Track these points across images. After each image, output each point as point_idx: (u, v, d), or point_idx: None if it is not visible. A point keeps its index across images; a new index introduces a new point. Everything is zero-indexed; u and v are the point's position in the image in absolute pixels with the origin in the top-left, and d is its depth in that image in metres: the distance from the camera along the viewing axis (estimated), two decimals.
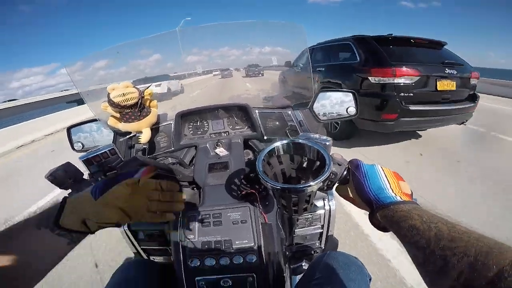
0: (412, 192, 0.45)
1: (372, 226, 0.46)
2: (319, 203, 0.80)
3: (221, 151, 0.87)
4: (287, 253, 0.84)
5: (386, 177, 0.46)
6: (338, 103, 0.99)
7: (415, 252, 0.33)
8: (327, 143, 0.56)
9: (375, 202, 0.43)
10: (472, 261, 0.25)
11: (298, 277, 0.87)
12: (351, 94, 0.99)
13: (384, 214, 0.41)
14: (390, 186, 0.44)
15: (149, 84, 0.89)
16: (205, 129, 1.02)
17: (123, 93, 0.77)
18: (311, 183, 0.46)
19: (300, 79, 2.22)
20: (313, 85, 1.01)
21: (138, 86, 0.84)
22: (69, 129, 0.97)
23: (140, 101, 0.81)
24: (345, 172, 0.53)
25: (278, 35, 1.13)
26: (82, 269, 1.68)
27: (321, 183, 0.47)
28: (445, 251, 0.28)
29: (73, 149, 0.97)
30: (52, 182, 0.51)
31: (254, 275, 0.58)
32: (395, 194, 0.43)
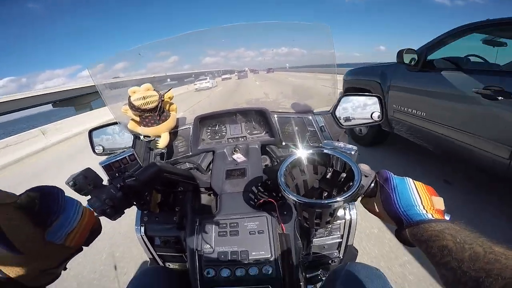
0: (445, 208, 0.42)
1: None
2: (340, 213, 0.76)
3: (238, 157, 0.86)
4: (304, 262, 0.82)
5: (418, 192, 0.43)
6: (361, 108, 0.94)
7: (444, 272, 0.32)
8: (353, 153, 0.53)
9: (404, 219, 0.41)
10: (506, 284, 0.25)
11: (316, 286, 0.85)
12: (376, 99, 0.93)
13: (412, 233, 0.39)
14: (422, 202, 0.42)
15: (170, 88, 0.89)
16: (223, 133, 1.01)
17: (143, 96, 0.77)
18: (338, 199, 0.43)
19: None
20: (336, 89, 0.95)
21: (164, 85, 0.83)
22: (90, 132, 0.99)
23: (159, 104, 0.81)
24: (372, 185, 0.49)
25: (303, 37, 1.09)
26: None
27: (349, 198, 0.44)
28: (479, 273, 0.27)
29: (94, 152, 0.98)
30: (72, 188, 0.51)
31: (270, 287, 0.57)
32: (426, 211, 0.40)
